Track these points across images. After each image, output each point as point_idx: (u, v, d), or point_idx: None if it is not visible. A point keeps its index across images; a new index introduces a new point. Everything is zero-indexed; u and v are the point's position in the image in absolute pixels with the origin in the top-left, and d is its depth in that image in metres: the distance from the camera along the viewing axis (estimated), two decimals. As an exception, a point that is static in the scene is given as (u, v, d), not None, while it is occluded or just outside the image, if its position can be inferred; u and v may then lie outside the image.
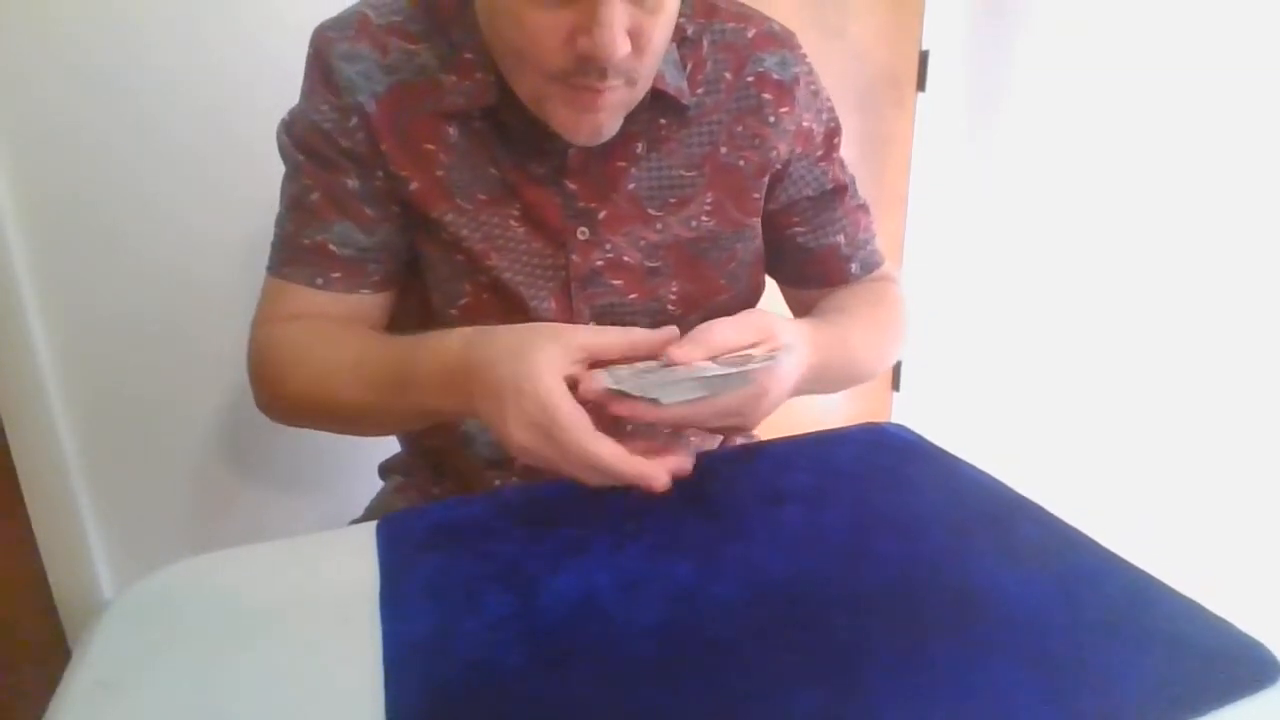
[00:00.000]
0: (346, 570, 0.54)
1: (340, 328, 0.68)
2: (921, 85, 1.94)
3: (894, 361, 0.81)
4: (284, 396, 0.68)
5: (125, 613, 0.52)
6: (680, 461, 0.55)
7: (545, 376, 0.51)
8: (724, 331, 0.56)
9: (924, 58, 1.92)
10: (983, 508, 0.59)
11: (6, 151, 1.10)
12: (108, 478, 1.26)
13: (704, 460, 0.67)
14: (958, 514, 0.58)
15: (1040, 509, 0.59)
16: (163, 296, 1.21)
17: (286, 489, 1.38)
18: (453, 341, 0.58)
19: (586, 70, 0.58)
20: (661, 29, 0.60)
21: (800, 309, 0.84)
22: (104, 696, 0.44)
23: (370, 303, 0.70)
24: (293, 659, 0.46)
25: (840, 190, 0.79)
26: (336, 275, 0.68)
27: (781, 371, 0.58)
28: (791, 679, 0.43)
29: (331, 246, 0.68)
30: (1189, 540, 1.40)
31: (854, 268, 0.81)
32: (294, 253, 0.68)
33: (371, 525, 0.59)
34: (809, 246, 0.79)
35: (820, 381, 0.67)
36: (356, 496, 0.90)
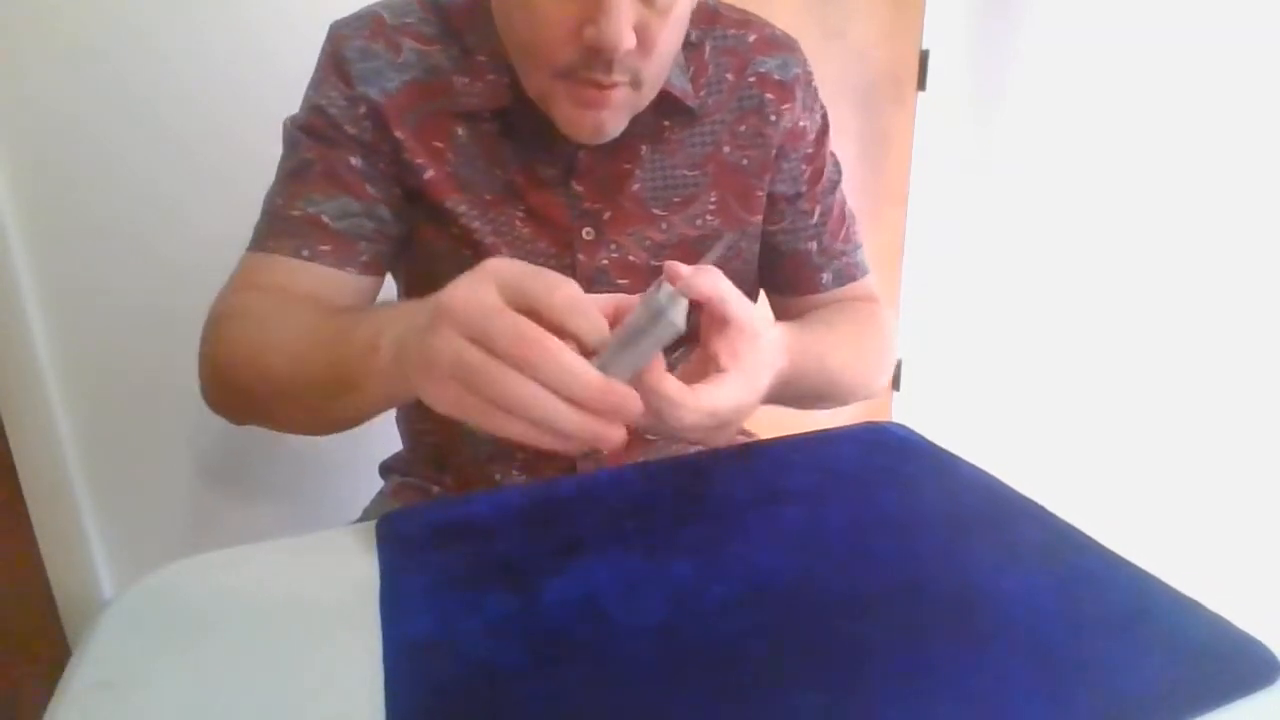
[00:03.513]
0: (346, 570, 0.54)
1: (301, 301, 0.62)
2: (922, 85, 1.95)
3: (874, 389, 0.78)
4: (222, 366, 0.62)
5: (125, 613, 0.52)
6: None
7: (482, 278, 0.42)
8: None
9: (924, 57, 1.92)
10: (983, 508, 0.59)
11: (6, 150, 1.10)
12: (108, 478, 1.26)
13: (704, 460, 0.68)
14: (958, 514, 0.58)
15: (1040, 509, 0.59)
16: (164, 295, 1.21)
17: (287, 489, 1.38)
18: (401, 303, 0.55)
19: (592, 64, 0.58)
20: (669, 32, 0.60)
21: (781, 318, 0.83)
22: (104, 696, 0.44)
23: (354, 285, 0.67)
24: (293, 659, 0.46)
25: (820, 190, 0.78)
26: (326, 248, 0.66)
27: (754, 373, 0.53)
28: (791, 679, 0.43)
29: (325, 219, 0.66)
30: (1189, 540, 1.40)
31: (825, 277, 0.80)
32: (282, 224, 0.66)
33: (371, 525, 0.59)
34: (781, 248, 0.79)
35: (792, 388, 0.62)
36: (356, 496, 0.90)
